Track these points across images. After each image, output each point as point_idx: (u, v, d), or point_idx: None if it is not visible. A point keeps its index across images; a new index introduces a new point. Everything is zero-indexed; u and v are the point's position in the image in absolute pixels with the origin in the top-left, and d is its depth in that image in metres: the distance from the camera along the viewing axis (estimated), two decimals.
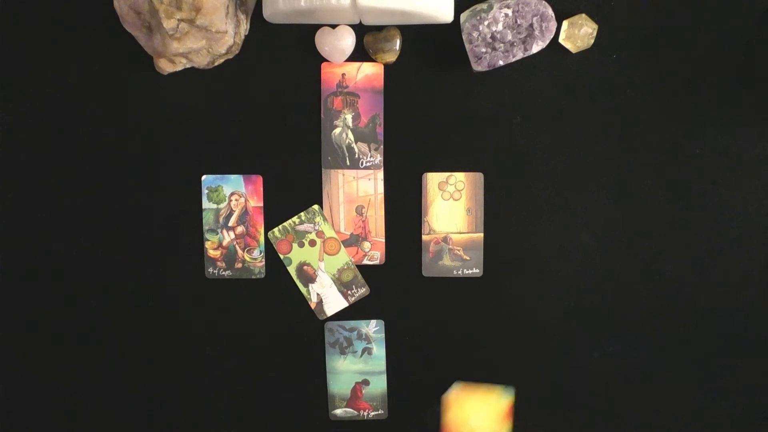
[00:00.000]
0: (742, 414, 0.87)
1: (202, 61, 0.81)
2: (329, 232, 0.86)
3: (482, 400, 0.81)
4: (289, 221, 0.86)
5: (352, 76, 0.85)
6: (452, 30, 0.82)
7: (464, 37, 0.79)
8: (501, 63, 0.79)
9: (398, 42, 0.83)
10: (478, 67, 0.79)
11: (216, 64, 0.82)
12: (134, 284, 0.87)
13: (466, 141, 0.85)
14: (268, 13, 0.81)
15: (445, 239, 0.86)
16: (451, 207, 0.86)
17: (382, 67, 0.84)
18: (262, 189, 0.86)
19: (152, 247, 0.86)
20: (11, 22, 0.85)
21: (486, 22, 0.78)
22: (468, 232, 0.86)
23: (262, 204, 0.86)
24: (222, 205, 0.86)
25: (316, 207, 0.86)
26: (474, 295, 0.87)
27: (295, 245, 0.87)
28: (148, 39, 0.79)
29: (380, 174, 0.86)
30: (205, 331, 0.88)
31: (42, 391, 0.89)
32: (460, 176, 0.85)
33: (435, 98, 0.84)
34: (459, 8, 0.81)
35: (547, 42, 0.79)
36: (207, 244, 0.87)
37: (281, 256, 0.87)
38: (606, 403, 0.87)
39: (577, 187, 0.85)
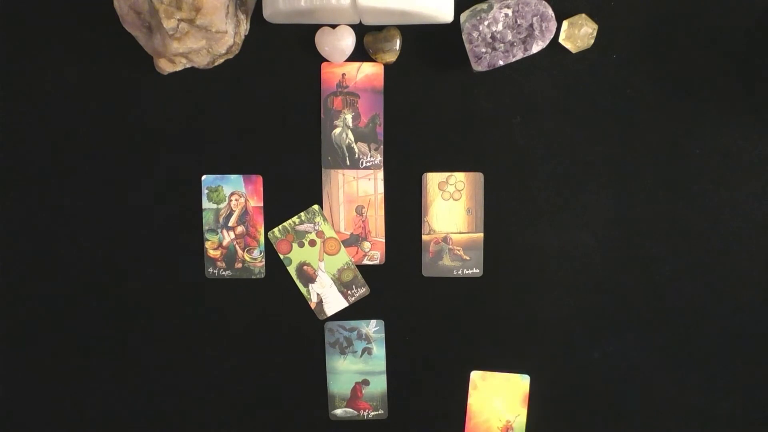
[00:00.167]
0: (742, 414, 0.87)
1: (202, 61, 0.81)
2: (329, 232, 0.86)
3: (504, 383, 0.85)
4: (289, 221, 0.86)
5: (352, 76, 0.85)
6: (452, 30, 0.82)
7: (464, 37, 0.79)
8: (501, 63, 0.79)
9: (398, 42, 0.83)
10: (478, 67, 0.79)
11: (216, 64, 0.82)
12: (134, 284, 0.87)
13: (466, 141, 0.85)
14: (268, 13, 0.81)
15: (445, 239, 0.86)
16: (451, 207, 0.86)
17: (382, 67, 0.84)
18: (262, 189, 0.86)
19: (152, 247, 0.86)
20: (11, 22, 0.85)
21: (486, 22, 0.78)
22: (468, 232, 0.86)
23: (262, 204, 0.86)
24: (222, 205, 0.86)
25: (316, 207, 0.86)
26: (474, 295, 0.87)
27: (295, 245, 0.87)
28: (148, 39, 0.79)
29: (380, 174, 0.86)
30: (205, 331, 0.88)
31: (42, 391, 0.89)
32: (460, 176, 0.85)
33: (435, 98, 0.84)
34: (459, 8, 0.81)
35: (547, 42, 0.79)
36: (207, 244, 0.87)
37: (281, 256, 0.87)
38: (606, 403, 0.87)
39: (577, 187, 0.85)
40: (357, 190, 0.86)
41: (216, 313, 0.87)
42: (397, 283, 0.87)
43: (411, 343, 0.87)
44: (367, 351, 0.87)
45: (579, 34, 0.82)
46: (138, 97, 0.85)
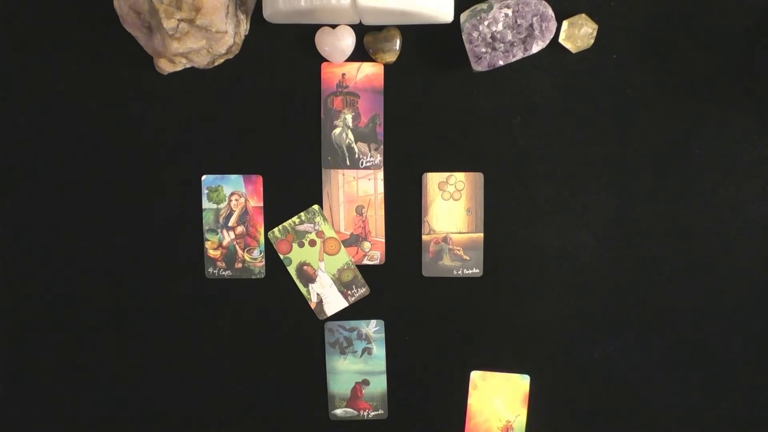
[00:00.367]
0: (742, 414, 0.87)
1: (202, 61, 0.81)
2: (329, 232, 0.86)
3: (504, 383, 0.86)
4: (289, 221, 0.86)
5: (352, 76, 0.85)
6: (452, 30, 0.82)
7: (464, 37, 0.79)
8: (501, 63, 0.79)
9: (398, 42, 0.83)
10: (478, 67, 0.79)
11: (216, 64, 0.82)
12: (134, 284, 0.87)
13: (466, 141, 0.85)
14: (268, 13, 0.81)
15: (445, 239, 0.86)
16: (451, 207, 0.86)
17: (382, 67, 0.84)
18: (262, 189, 0.86)
19: (152, 247, 0.86)
20: (11, 22, 0.85)
21: (486, 22, 0.78)
22: (468, 232, 0.86)
23: (262, 204, 0.86)
24: (222, 205, 0.86)
25: (316, 207, 0.86)
26: (474, 295, 0.87)
27: (295, 245, 0.87)
28: (148, 39, 0.79)
29: (380, 174, 0.86)
30: (205, 331, 0.88)
31: (42, 391, 0.89)
32: (460, 176, 0.85)
33: (435, 98, 0.84)
34: (459, 8, 0.81)
35: (547, 42, 0.79)
36: (207, 244, 0.87)
37: (281, 256, 0.87)
38: (606, 403, 0.87)
39: (577, 187, 0.85)
40: (357, 190, 0.86)
41: (216, 313, 0.87)
42: (397, 283, 0.87)
43: (411, 343, 0.87)
44: (367, 351, 0.87)
45: (579, 34, 0.82)
46: (138, 97, 0.85)
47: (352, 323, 0.87)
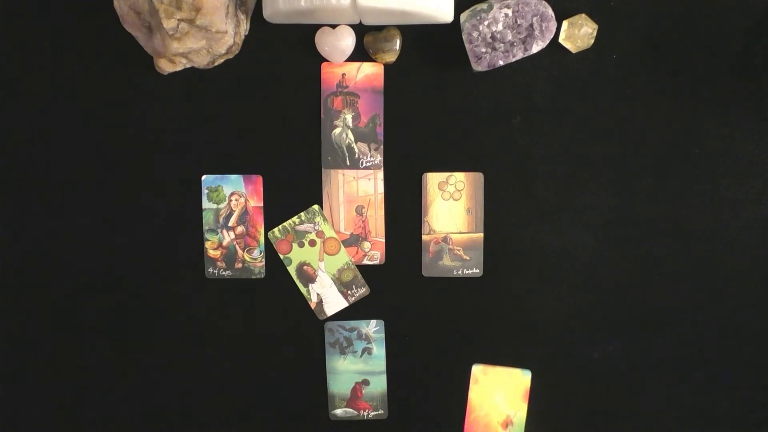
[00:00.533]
0: (742, 414, 0.87)
1: (202, 61, 0.81)
2: (329, 232, 0.86)
3: (505, 378, 0.86)
4: (289, 221, 0.86)
5: (352, 76, 0.85)
6: (452, 30, 0.82)
7: (464, 37, 0.79)
8: (501, 63, 0.79)
9: (398, 42, 0.83)
10: (478, 67, 0.79)
11: (216, 64, 0.82)
12: (134, 284, 0.87)
13: (466, 141, 0.85)
14: (268, 13, 0.81)
15: (445, 239, 0.86)
16: (451, 207, 0.86)
17: (382, 67, 0.84)
18: (262, 189, 0.86)
19: (152, 247, 0.86)
20: (11, 22, 0.85)
21: (486, 22, 0.78)
22: (468, 232, 0.86)
23: (262, 204, 0.86)
24: (222, 205, 0.86)
25: (316, 207, 0.86)
26: (474, 295, 0.87)
27: (295, 245, 0.87)
28: (148, 39, 0.79)
29: (380, 174, 0.86)
30: (205, 331, 0.88)
31: (42, 391, 0.89)
32: (460, 176, 0.85)
33: (435, 98, 0.84)
34: (459, 8, 0.81)
35: (547, 42, 0.79)
36: (207, 244, 0.87)
37: (281, 256, 0.87)
38: (606, 402, 0.87)
39: (577, 187, 0.85)
40: (357, 190, 0.86)
41: (216, 313, 0.87)
42: (397, 283, 0.87)
43: (411, 343, 0.87)
44: (367, 351, 0.87)
45: (579, 34, 0.82)
46: (138, 97, 0.85)
47: (352, 323, 0.87)
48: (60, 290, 0.87)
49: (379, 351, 0.87)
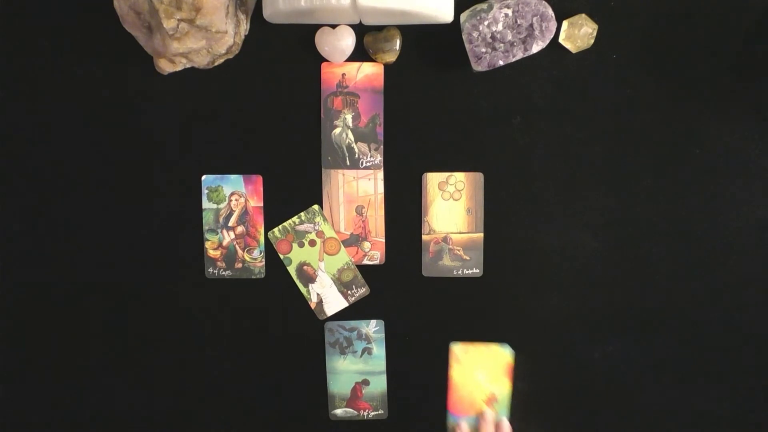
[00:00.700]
0: (742, 414, 0.87)
1: (202, 61, 0.81)
2: (329, 232, 0.86)
3: (486, 356, 0.86)
4: (289, 221, 0.86)
5: (352, 76, 0.85)
6: (452, 30, 0.82)
7: (464, 37, 0.79)
8: (501, 63, 0.79)
9: (398, 42, 0.83)
10: (478, 67, 0.79)
11: (216, 64, 0.82)
12: (134, 284, 0.87)
13: (466, 141, 0.85)
14: (268, 13, 0.81)
15: (445, 239, 0.86)
16: (451, 207, 0.86)
17: (382, 67, 0.84)
18: (262, 189, 0.86)
19: (152, 247, 0.87)
20: (11, 22, 0.85)
21: (486, 22, 0.78)
22: (468, 232, 0.86)
23: (262, 204, 0.86)
24: (222, 205, 0.86)
25: (316, 207, 0.86)
26: (474, 295, 0.87)
27: (295, 245, 0.87)
28: (148, 39, 0.79)
29: (380, 174, 0.86)
30: (205, 331, 0.88)
31: (42, 391, 0.89)
32: (460, 176, 0.85)
33: (435, 98, 0.84)
34: (459, 8, 0.81)
35: (547, 42, 0.79)
36: (207, 244, 0.87)
37: (281, 256, 0.87)
38: (606, 403, 0.87)
39: (577, 187, 0.85)
40: (357, 190, 0.86)
41: (216, 313, 0.87)
42: (397, 283, 0.87)
43: (411, 343, 0.87)
44: (367, 351, 0.87)
45: (579, 34, 0.82)
46: (138, 97, 0.85)
47: (352, 323, 0.87)
48: (60, 290, 0.87)
49: (379, 351, 0.87)
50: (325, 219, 0.86)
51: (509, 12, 0.78)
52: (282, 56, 0.84)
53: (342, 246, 0.87)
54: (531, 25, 0.78)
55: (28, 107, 0.85)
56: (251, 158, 0.86)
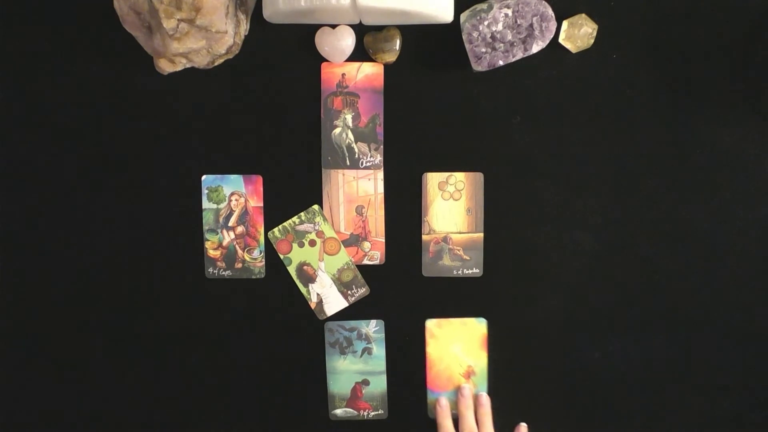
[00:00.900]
0: (742, 414, 0.87)
1: (202, 61, 0.81)
2: (329, 232, 0.86)
3: (461, 328, 0.86)
4: (289, 221, 0.86)
5: (352, 76, 0.85)
6: (452, 30, 0.82)
7: (464, 37, 0.79)
8: (501, 63, 0.79)
9: (398, 42, 0.83)
10: (478, 67, 0.79)
11: (216, 64, 0.82)
12: (134, 284, 0.87)
13: (466, 141, 0.85)
14: (268, 13, 0.81)
15: (445, 239, 0.86)
16: (451, 207, 0.86)
17: (382, 67, 0.84)
18: (262, 189, 0.86)
19: (152, 247, 0.86)
20: (11, 22, 0.85)
21: (486, 22, 0.78)
22: (468, 232, 0.86)
23: (262, 204, 0.86)
24: (222, 205, 0.86)
25: (316, 207, 0.86)
26: (474, 295, 0.87)
27: (295, 245, 0.87)
28: (148, 39, 0.79)
29: (380, 174, 0.86)
30: (205, 331, 0.88)
31: (42, 391, 0.89)
32: (460, 176, 0.85)
33: (435, 98, 0.84)
34: (459, 8, 0.81)
35: (547, 42, 0.79)
36: (207, 244, 0.87)
37: (281, 256, 0.87)
38: (606, 403, 0.87)
39: (577, 187, 0.85)
40: (357, 190, 0.86)
41: (216, 313, 0.87)
42: (397, 283, 0.87)
43: (411, 343, 0.87)
44: (367, 351, 0.87)
45: (579, 34, 0.82)
46: (138, 97, 0.85)
47: (352, 323, 0.87)
48: (60, 290, 0.87)
49: (379, 351, 0.87)
50: (325, 219, 0.86)
51: (509, 12, 0.78)
52: (282, 56, 0.84)
53: (342, 246, 0.87)
54: (531, 25, 0.78)
55: (28, 107, 0.85)
56: (251, 158, 0.86)
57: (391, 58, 0.83)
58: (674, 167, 0.85)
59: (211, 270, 0.87)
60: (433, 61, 0.84)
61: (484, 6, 0.79)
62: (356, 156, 0.85)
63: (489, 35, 0.78)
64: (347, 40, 0.83)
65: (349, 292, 0.87)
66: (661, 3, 0.83)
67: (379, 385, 0.88)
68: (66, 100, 0.85)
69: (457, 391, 0.86)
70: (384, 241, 0.86)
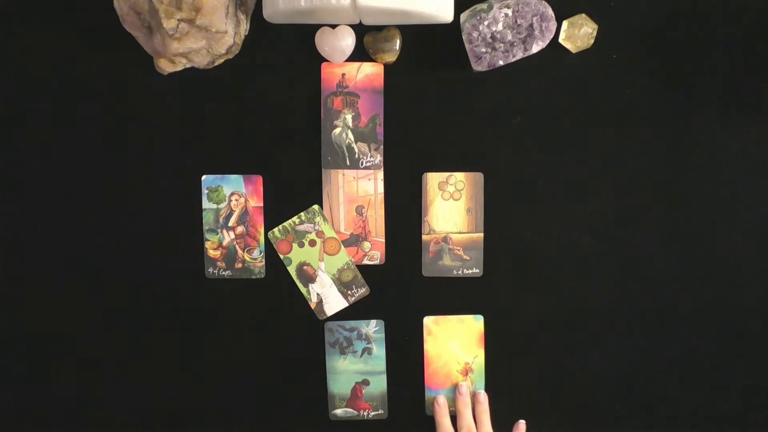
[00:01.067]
0: (742, 414, 0.87)
1: (202, 61, 0.81)
2: (329, 232, 0.86)
3: (458, 326, 0.86)
4: (289, 221, 0.86)
5: (352, 76, 0.85)
6: (452, 30, 0.82)
7: (464, 37, 0.79)
8: (501, 63, 0.79)
9: (398, 42, 0.83)
10: (478, 67, 0.79)
11: (216, 64, 0.82)
12: (134, 284, 0.87)
13: (466, 141, 0.85)
14: (268, 13, 0.81)
15: (445, 239, 0.86)
16: (451, 207, 0.86)
17: (382, 67, 0.84)
18: (262, 189, 0.86)
19: (152, 247, 0.86)
20: (11, 22, 0.85)
21: (486, 22, 0.78)
22: (468, 232, 0.86)
23: (262, 204, 0.86)
24: (222, 205, 0.86)
25: (316, 207, 0.86)
26: (474, 295, 0.87)
27: (295, 245, 0.87)
28: (148, 39, 0.79)
29: (380, 174, 0.86)
30: (205, 331, 0.88)
31: (42, 391, 0.88)
32: (460, 176, 0.85)
33: (435, 98, 0.84)
34: (459, 8, 0.81)
35: (547, 42, 0.79)
36: (207, 244, 0.87)
37: (281, 256, 0.87)
38: (606, 403, 0.87)
39: (577, 187, 0.85)
40: (357, 190, 0.86)
41: (216, 313, 0.87)
42: (397, 283, 0.87)
43: (411, 343, 0.87)
44: (367, 351, 0.87)
45: (579, 34, 0.82)
46: (138, 97, 0.85)
47: (352, 323, 0.87)
48: (60, 290, 0.87)
49: (379, 351, 0.87)
50: (325, 219, 0.86)
51: (509, 12, 0.78)
52: (282, 56, 0.84)
53: (342, 246, 0.87)
54: (531, 25, 0.78)
55: (27, 107, 0.85)
56: (251, 158, 0.86)
57: (391, 58, 0.83)
58: (674, 167, 0.85)
59: (211, 270, 0.87)
60: (433, 61, 0.84)
61: (484, 6, 0.79)
62: (356, 156, 0.85)
63: (489, 35, 0.78)
64: (347, 40, 0.83)
65: (349, 292, 0.87)
66: (661, 3, 0.83)
67: (379, 385, 0.88)
68: (66, 100, 0.85)
69: (455, 388, 0.86)
70: (384, 241, 0.86)
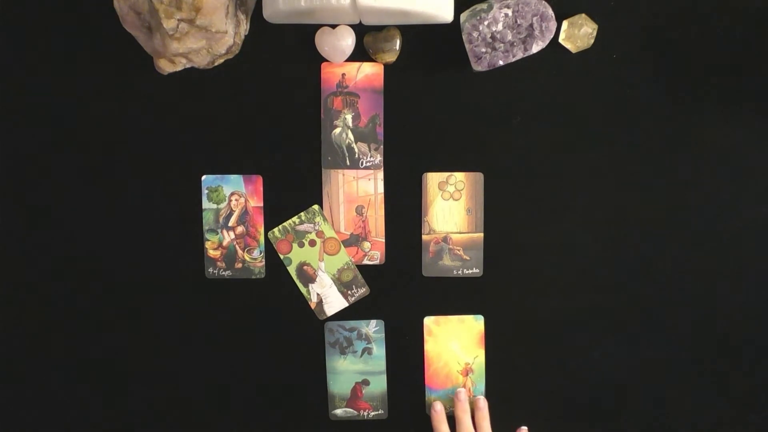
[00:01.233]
0: (742, 414, 0.87)
1: (202, 61, 0.81)
2: (329, 232, 0.86)
3: (458, 326, 0.86)
4: (289, 221, 0.86)
5: (352, 76, 0.85)
6: (452, 30, 0.82)
7: (464, 37, 0.79)
8: (501, 63, 0.79)
9: (398, 42, 0.83)
10: (478, 67, 0.79)
11: (216, 64, 0.82)
12: (134, 284, 0.87)
13: (466, 141, 0.85)
14: (268, 13, 0.81)
15: (445, 239, 0.86)
16: (451, 207, 0.86)
17: (382, 67, 0.84)
18: (262, 189, 0.86)
19: (152, 247, 0.86)
20: (11, 23, 0.85)
21: (486, 22, 0.78)
22: (468, 232, 0.86)
23: (262, 204, 0.86)
24: (222, 205, 0.86)
25: (316, 207, 0.86)
26: (474, 295, 0.87)
27: (295, 245, 0.87)
28: (148, 39, 0.79)
29: (380, 174, 0.86)
30: (205, 331, 0.88)
31: (42, 391, 0.89)
32: (460, 176, 0.85)
33: (435, 98, 0.84)
34: (459, 8, 0.81)
35: (547, 42, 0.79)
36: (207, 244, 0.87)
37: (281, 256, 0.87)
38: (606, 403, 0.87)
39: (577, 187, 0.85)
40: (357, 190, 0.86)
41: (216, 313, 0.87)
42: (397, 283, 0.87)
43: (411, 343, 0.87)
44: (367, 351, 0.87)
45: (579, 34, 0.82)
46: (138, 97, 0.85)
47: (352, 323, 0.87)
48: (60, 290, 0.87)
49: (379, 351, 0.87)
50: (325, 219, 0.86)
51: (509, 12, 0.78)
52: (282, 56, 0.84)
53: (342, 246, 0.87)
54: (531, 25, 0.78)
55: (27, 107, 0.85)
56: (251, 158, 0.86)
57: (391, 58, 0.83)
58: (674, 167, 0.85)
59: (211, 270, 0.87)
60: (433, 61, 0.84)
61: (484, 6, 0.79)
62: (356, 156, 0.85)
63: (489, 35, 0.78)
64: (347, 40, 0.83)
65: (349, 292, 0.87)
66: (661, 3, 0.83)
67: (379, 385, 0.88)
68: (66, 100, 0.85)
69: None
70: (384, 241, 0.86)
